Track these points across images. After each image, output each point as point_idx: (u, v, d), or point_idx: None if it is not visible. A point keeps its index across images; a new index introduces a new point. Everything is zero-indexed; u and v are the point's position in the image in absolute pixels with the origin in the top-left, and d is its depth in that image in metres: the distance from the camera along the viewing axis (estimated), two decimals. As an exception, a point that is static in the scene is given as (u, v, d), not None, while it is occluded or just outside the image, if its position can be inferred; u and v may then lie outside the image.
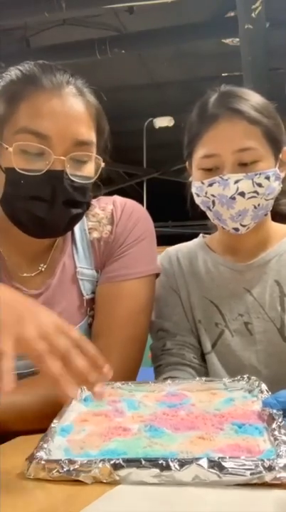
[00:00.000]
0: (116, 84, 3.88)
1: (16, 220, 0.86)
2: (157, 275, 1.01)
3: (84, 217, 0.96)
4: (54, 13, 2.92)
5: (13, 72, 0.86)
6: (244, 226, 0.96)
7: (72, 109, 0.83)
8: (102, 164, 0.88)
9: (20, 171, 0.81)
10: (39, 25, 3.34)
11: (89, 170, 0.86)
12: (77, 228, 0.96)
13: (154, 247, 1.00)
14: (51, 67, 0.86)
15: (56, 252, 0.95)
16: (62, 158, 0.81)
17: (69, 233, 0.96)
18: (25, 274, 0.92)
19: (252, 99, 0.97)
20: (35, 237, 0.88)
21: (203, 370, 1.00)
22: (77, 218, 0.88)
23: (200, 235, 1.14)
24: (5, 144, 0.82)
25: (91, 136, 0.85)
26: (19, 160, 0.81)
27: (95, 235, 0.96)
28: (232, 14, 3.05)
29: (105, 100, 0.92)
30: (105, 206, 0.98)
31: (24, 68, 0.86)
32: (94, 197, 0.98)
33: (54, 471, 0.54)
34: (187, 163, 1.04)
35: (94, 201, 0.98)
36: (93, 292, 0.95)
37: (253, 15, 2.72)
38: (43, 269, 0.93)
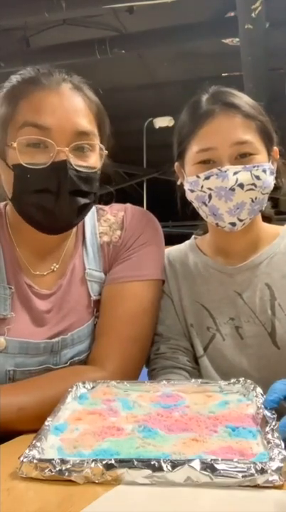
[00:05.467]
0: (116, 85, 3.88)
1: (27, 216, 0.88)
2: (164, 283, 1.02)
3: (96, 222, 1.00)
4: (54, 13, 2.92)
5: (14, 79, 0.90)
6: (241, 221, 0.95)
7: (70, 102, 0.86)
8: (105, 152, 0.91)
9: (26, 165, 0.83)
10: (39, 25, 3.34)
11: (93, 160, 0.88)
12: (88, 232, 0.99)
13: (160, 254, 1.01)
14: (48, 68, 0.89)
15: (67, 254, 0.97)
16: (65, 149, 0.83)
17: (80, 236, 0.99)
18: (37, 272, 0.94)
19: (244, 97, 0.98)
20: (46, 232, 0.89)
21: (197, 373, 0.99)
22: (85, 208, 0.90)
23: (193, 236, 1.14)
24: (10, 141, 0.84)
25: (91, 126, 0.88)
26: (24, 155, 0.83)
27: (105, 238, 0.98)
28: (232, 14, 3.05)
29: (105, 100, 0.94)
30: (117, 212, 1.01)
31: (23, 73, 0.90)
32: (106, 203, 1.02)
33: (46, 471, 0.54)
34: (176, 164, 1.04)
35: (106, 207, 1.02)
36: (100, 294, 0.97)
37: (253, 15, 2.71)
38: (55, 269, 0.95)
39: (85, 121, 0.86)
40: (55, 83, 0.86)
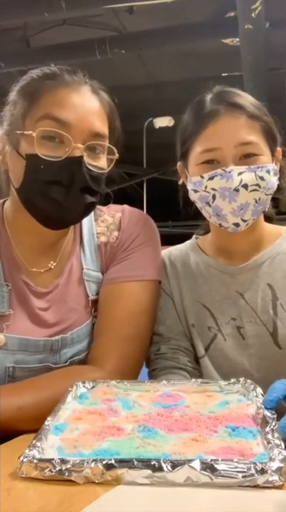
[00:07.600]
0: (116, 84, 3.87)
1: (33, 206, 0.88)
2: (160, 283, 1.02)
3: (93, 222, 1.01)
4: (54, 13, 2.92)
5: (34, 74, 0.91)
6: (244, 221, 0.94)
7: (89, 103, 0.88)
8: (117, 155, 0.92)
9: (42, 156, 0.84)
10: (39, 25, 3.35)
11: (103, 162, 0.90)
12: (86, 232, 1.00)
13: (157, 255, 1.02)
14: (69, 69, 0.92)
15: (65, 253, 0.97)
16: (80, 146, 0.85)
17: (78, 236, 0.99)
18: (34, 269, 0.94)
19: (249, 98, 0.98)
20: (47, 225, 0.90)
21: (198, 373, 0.99)
22: (90, 207, 0.91)
23: (194, 236, 1.13)
24: (28, 130, 0.85)
25: (105, 130, 0.90)
26: (41, 146, 0.84)
27: (103, 239, 0.99)
28: (232, 14, 3.05)
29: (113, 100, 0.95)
30: (114, 213, 1.02)
31: (44, 69, 0.92)
32: (105, 204, 1.02)
33: (46, 470, 0.54)
34: (179, 164, 1.03)
35: (104, 208, 1.03)
36: (98, 294, 0.98)
37: (253, 15, 2.72)
38: (52, 267, 0.96)
39: (101, 124, 0.88)
40: (77, 83, 0.89)
